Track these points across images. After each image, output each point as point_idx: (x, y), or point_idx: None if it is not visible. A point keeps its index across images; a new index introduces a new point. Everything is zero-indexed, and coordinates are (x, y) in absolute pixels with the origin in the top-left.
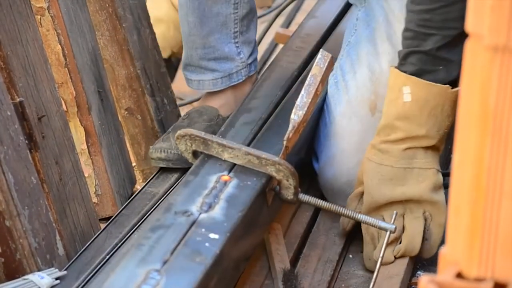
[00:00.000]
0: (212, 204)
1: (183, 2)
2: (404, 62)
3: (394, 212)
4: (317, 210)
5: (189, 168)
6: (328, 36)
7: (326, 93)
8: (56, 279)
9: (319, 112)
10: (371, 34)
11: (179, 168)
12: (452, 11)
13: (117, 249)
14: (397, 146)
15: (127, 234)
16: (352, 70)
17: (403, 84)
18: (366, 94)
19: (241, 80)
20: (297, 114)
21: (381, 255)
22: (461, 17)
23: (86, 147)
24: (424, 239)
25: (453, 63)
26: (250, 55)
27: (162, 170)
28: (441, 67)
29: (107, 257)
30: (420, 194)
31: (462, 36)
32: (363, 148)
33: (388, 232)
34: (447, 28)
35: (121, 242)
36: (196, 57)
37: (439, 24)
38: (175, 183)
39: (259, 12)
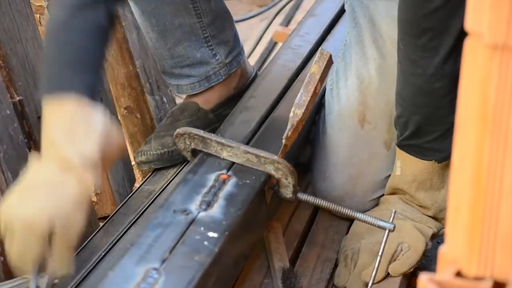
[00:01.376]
0: (211, 203)
1: (141, 22)
2: (400, 147)
3: (393, 210)
4: (316, 209)
5: (179, 164)
6: (327, 34)
7: (325, 92)
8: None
9: (318, 111)
10: (358, 34)
11: (175, 165)
12: (440, 112)
13: (113, 247)
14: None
15: (124, 232)
16: (344, 76)
17: (397, 157)
18: (355, 104)
19: (221, 80)
20: (296, 112)
21: (380, 253)
22: (450, 114)
23: None
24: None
25: (445, 152)
26: (229, 53)
27: (159, 168)
28: (432, 154)
29: (104, 255)
30: (404, 225)
31: (452, 128)
32: (353, 162)
33: (387, 231)
34: (439, 124)
35: (118, 240)
36: (167, 67)
37: (429, 122)
38: (171, 180)
39: (258, 10)
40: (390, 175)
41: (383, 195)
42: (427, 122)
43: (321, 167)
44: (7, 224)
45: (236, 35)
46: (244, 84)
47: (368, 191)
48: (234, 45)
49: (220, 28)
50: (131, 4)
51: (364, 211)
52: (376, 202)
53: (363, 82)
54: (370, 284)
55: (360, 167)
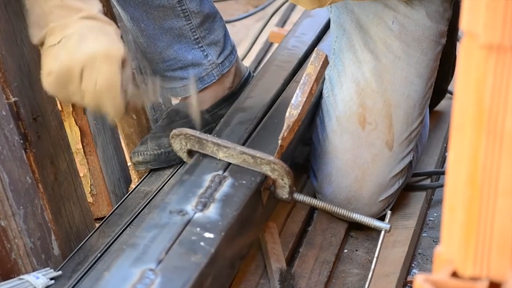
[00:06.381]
0: (207, 203)
1: (130, 27)
2: None
3: (389, 212)
4: (313, 209)
5: (176, 165)
6: (323, 35)
7: (321, 94)
8: (51, 279)
9: (314, 111)
10: (348, 40)
11: (171, 166)
12: None
13: (109, 248)
14: None
15: (120, 233)
16: (339, 82)
17: None
18: (354, 107)
19: (214, 81)
20: (292, 113)
21: (376, 254)
22: None
23: (81, 146)
24: None
25: None
26: (221, 53)
27: (155, 168)
28: None
29: (100, 256)
30: None
31: None
32: (358, 164)
33: (383, 231)
34: None
35: (114, 241)
36: (160, 70)
37: None
38: (167, 180)
39: (254, 10)
40: (395, 175)
41: (390, 196)
42: None
43: (325, 173)
44: (87, 61)
45: (226, 34)
46: (238, 83)
47: (374, 193)
48: (225, 45)
49: (210, 29)
50: (119, 10)
51: (371, 214)
52: (384, 204)
53: (359, 85)
54: (367, 284)
55: (364, 169)
